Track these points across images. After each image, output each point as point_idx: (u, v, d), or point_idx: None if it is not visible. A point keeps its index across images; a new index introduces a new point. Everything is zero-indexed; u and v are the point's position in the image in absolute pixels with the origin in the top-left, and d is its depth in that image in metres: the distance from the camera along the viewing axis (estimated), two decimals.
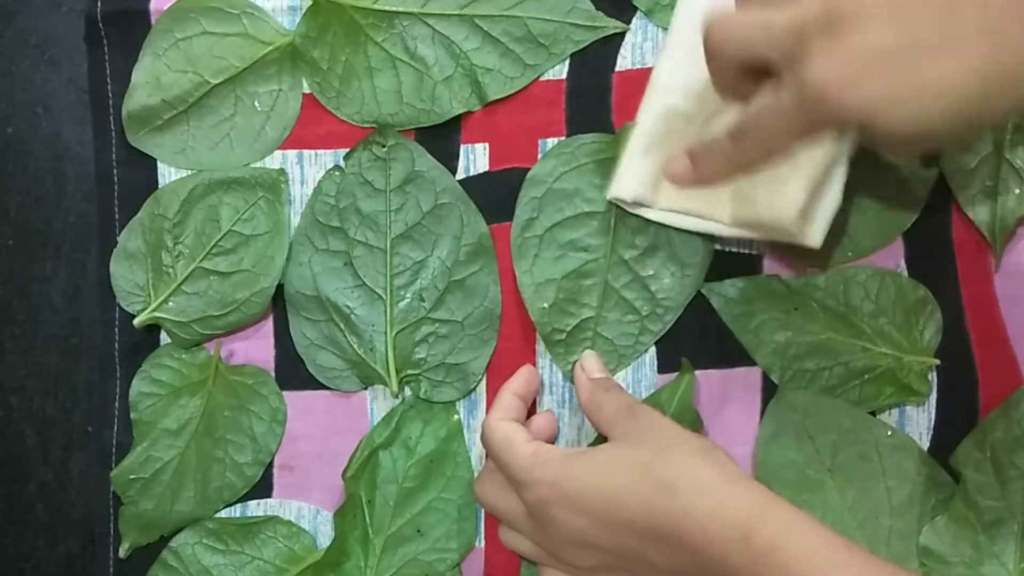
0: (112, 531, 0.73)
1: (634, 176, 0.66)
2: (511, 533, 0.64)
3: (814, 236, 0.61)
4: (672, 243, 0.67)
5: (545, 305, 0.68)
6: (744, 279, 0.67)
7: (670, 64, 0.66)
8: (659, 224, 0.67)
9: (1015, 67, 0.50)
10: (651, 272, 0.68)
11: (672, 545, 0.55)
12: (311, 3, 0.71)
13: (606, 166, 0.68)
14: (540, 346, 0.70)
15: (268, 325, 0.73)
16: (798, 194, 0.59)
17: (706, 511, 0.54)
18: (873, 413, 0.66)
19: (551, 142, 0.69)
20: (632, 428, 0.60)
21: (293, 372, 0.72)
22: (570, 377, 0.68)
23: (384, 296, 0.70)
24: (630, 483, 0.56)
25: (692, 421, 0.66)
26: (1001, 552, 0.62)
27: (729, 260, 0.68)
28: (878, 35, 0.51)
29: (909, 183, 0.66)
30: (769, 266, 0.68)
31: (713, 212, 0.64)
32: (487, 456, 0.66)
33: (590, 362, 0.66)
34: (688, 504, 0.54)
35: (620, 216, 0.68)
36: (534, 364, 0.69)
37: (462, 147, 0.71)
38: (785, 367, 0.66)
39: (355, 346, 0.70)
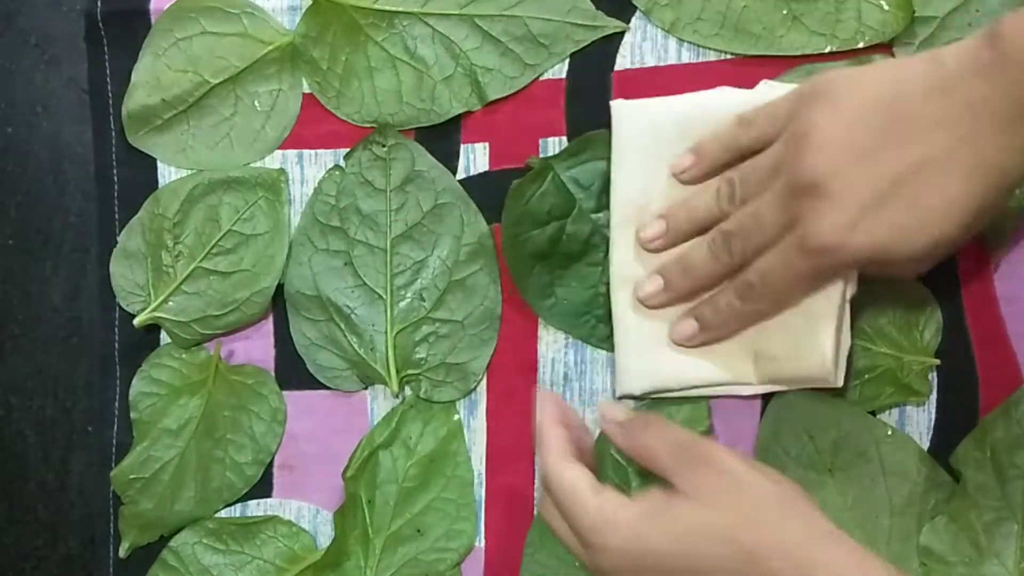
0: (112, 531, 0.73)
1: (637, 364, 0.65)
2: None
3: (840, 378, 0.62)
4: None
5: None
6: None
7: (626, 184, 0.65)
8: None
9: (1001, 156, 0.50)
10: None
11: None
12: (311, 3, 0.71)
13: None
14: (540, 346, 0.70)
15: (268, 325, 0.73)
16: (825, 346, 0.59)
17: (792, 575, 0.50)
18: (873, 413, 0.66)
19: (551, 142, 0.69)
20: (703, 481, 0.53)
21: (293, 372, 0.72)
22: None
23: (384, 296, 0.70)
24: (716, 556, 0.51)
25: (706, 429, 0.66)
26: (1001, 552, 0.62)
27: None
28: (861, 184, 0.52)
29: None
30: None
31: (739, 376, 0.63)
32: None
33: (610, 411, 0.59)
34: (775, 568, 0.50)
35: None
36: (534, 364, 0.69)
37: (462, 147, 0.71)
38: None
39: (355, 346, 0.70)
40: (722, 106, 0.63)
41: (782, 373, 0.62)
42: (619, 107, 0.66)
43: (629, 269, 0.65)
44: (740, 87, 0.67)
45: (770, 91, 0.63)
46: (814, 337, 0.60)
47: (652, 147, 0.64)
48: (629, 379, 0.65)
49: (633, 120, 0.65)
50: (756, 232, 0.56)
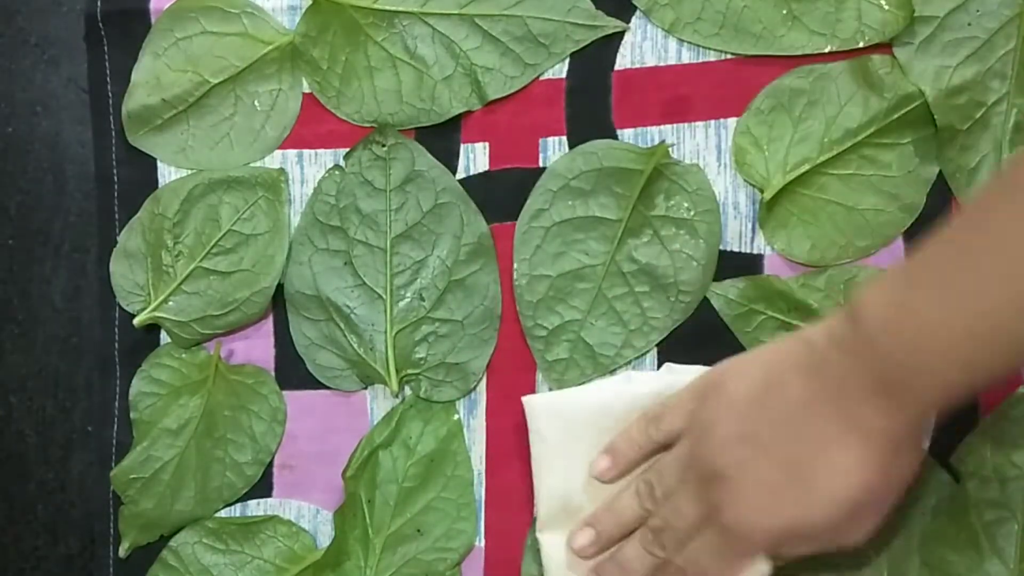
0: (112, 531, 0.73)
1: None
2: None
3: None
4: (676, 269, 0.67)
5: (534, 300, 0.69)
6: (744, 279, 0.67)
7: (548, 478, 0.66)
8: (666, 250, 0.67)
9: (880, 419, 0.52)
10: (646, 289, 0.68)
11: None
12: (311, 2, 0.71)
13: (631, 177, 0.68)
14: None
15: (268, 325, 0.73)
16: None
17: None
18: None
19: (551, 141, 0.70)
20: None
21: (293, 372, 0.72)
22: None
23: (384, 295, 0.70)
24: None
25: None
26: (1001, 551, 0.62)
27: (730, 260, 0.68)
28: (762, 470, 0.55)
29: (909, 184, 0.66)
30: (770, 266, 0.68)
31: None
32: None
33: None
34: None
35: (630, 230, 0.68)
36: (534, 363, 0.69)
37: (462, 146, 0.71)
38: None
39: (355, 345, 0.70)
40: (629, 395, 0.65)
41: None
42: (531, 403, 0.67)
43: (562, 572, 0.66)
44: (740, 87, 0.67)
45: (672, 375, 0.65)
46: None
47: (567, 440, 0.66)
48: None
49: (547, 416, 0.66)
50: (681, 525, 0.59)
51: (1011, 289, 0.48)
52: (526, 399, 0.67)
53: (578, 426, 0.65)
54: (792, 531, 0.56)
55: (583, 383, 0.68)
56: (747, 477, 0.56)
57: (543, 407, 0.66)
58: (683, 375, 0.64)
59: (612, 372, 0.68)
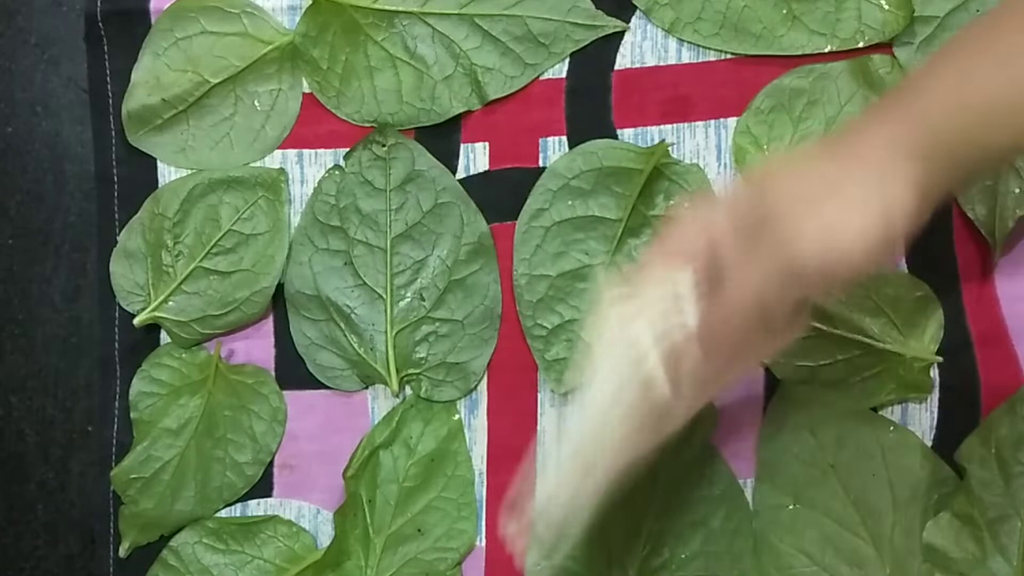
0: (112, 530, 0.73)
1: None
2: None
3: None
4: None
5: (534, 299, 0.69)
6: None
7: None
8: None
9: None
10: None
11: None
12: (311, 2, 0.71)
13: (632, 177, 0.68)
14: None
15: (268, 324, 0.73)
16: None
17: None
18: (875, 409, 0.66)
19: (551, 141, 0.70)
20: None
21: (293, 371, 0.72)
22: None
23: (384, 295, 0.70)
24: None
25: (712, 424, 0.67)
26: (1004, 548, 0.62)
27: None
28: (800, 188, 0.52)
29: None
30: None
31: None
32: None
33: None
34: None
35: (630, 230, 0.68)
36: (534, 363, 0.69)
37: (462, 146, 0.71)
38: (788, 363, 0.66)
39: (355, 345, 0.70)
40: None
41: None
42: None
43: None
44: (740, 87, 0.67)
45: None
46: None
47: None
48: None
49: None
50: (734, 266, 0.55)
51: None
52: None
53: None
54: (832, 247, 0.53)
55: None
56: (797, 206, 0.52)
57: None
58: None
59: None
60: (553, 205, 0.69)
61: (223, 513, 0.72)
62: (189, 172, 0.73)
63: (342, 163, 0.71)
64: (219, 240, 0.72)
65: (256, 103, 0.72)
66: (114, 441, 0.73)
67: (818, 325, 0.66)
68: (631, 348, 0.52)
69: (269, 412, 0.72)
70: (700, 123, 0.68)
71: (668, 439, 0.55)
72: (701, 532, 0.67)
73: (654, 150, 0.67)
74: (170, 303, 0.72)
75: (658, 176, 0.68)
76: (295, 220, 0.72)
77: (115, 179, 0.74)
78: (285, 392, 0.72)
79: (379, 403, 0.71)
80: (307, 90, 0.72)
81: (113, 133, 0.74)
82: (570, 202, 0.69)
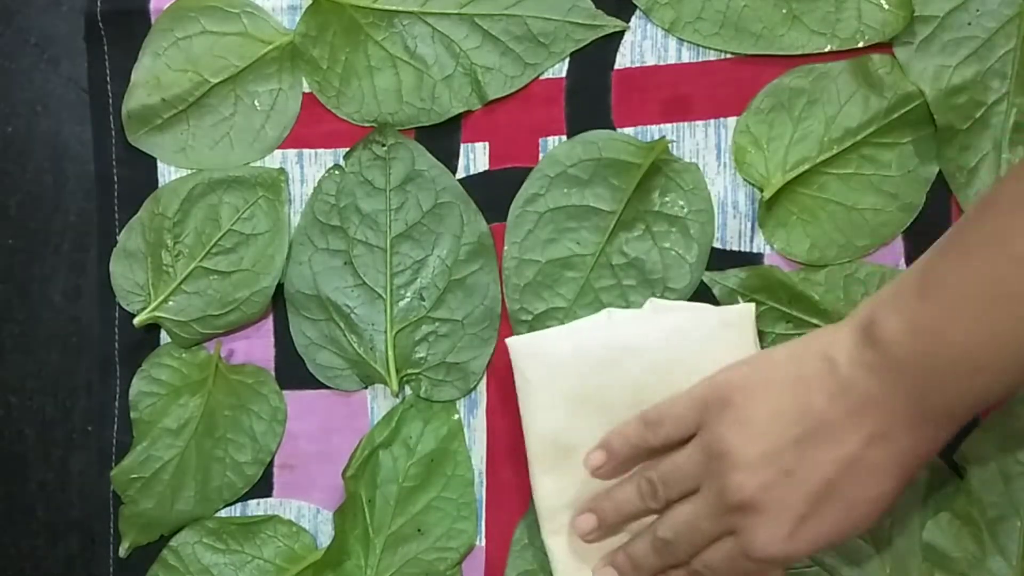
0: (112, 531, 0.73)
1: None
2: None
3: None
4: (664, 266, 0.68)
5: (521, 283, 0.69)
6: (745, 269, 0.67)
7: (537, 419, 0.66)
8: (657, 246, 0.67)
9: (918, 445, 0.53)
10: (633, 283, 0.68)
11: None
12: (311, 2, 0.71)
13: (630, 170, 0.68)
14: None
15: (268, 324, 0.73)
16: None
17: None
18: None
19: (551, 141, 0.70)
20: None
21: (293, 371, 0.72)
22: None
23: (384, 295, 0.70)
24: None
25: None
26: (1004, 548, 0.62)
27: (729, 259, 0.68)
28: (792, 496, 0.54)
29: (909, 183, 0.66)
30: (769, 264, 0.68)
31: None
32: None
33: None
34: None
35: (623, 223, 0.68)
36: None
37: (462, 146, 0.71)
38: None
39: (355, 345, 0.70)
40: (611, 333, 0.65)
41: None
42: (514, 345, 0.67)
43: (556, 500, 0.65)
44: (740, 86, 0.67)
45: (655, 313, 0.65)
46: None
47: (550, 379, 0.65)
48: None
49: (530, 356, 0.66)
50: (697, 540, 0.58)
51: None
52: (509, 340, 0.67)
53: (560, 365, 0.65)
54: (816, 550, 0.56)
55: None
56: (772, 504, 0.54)
57: (526, 348, 0.66)
58: (667, 312, 0.65)
59: None
60: (549, 192, 0.69)
61: (223, 513, 0.72)
62: (189, 172, 0.73)
63: (342, 163, 0.71)
64: (219, 240, 0.72)
65: (256, 103, 0.72)
66: (114, 441, 0.73)
67: (816, 322, 0.66)
68: None
69: (269, 412, 0.72)
70: (700, 122, 0.68)
71: None
72: None
73: (654, 145, 0.67)
74: (170, 303, 0.72)
75: (656, 172, 0.68)
76: (295, 220, 0.72)
77: (115, 179, 0.74)
78: (285, 392, 0.72)
79: (379, 403, 0.71)
80: (307, 90, 0.72)
81: (113, 133, 0.74)
82: (566, 190, 0.69)
